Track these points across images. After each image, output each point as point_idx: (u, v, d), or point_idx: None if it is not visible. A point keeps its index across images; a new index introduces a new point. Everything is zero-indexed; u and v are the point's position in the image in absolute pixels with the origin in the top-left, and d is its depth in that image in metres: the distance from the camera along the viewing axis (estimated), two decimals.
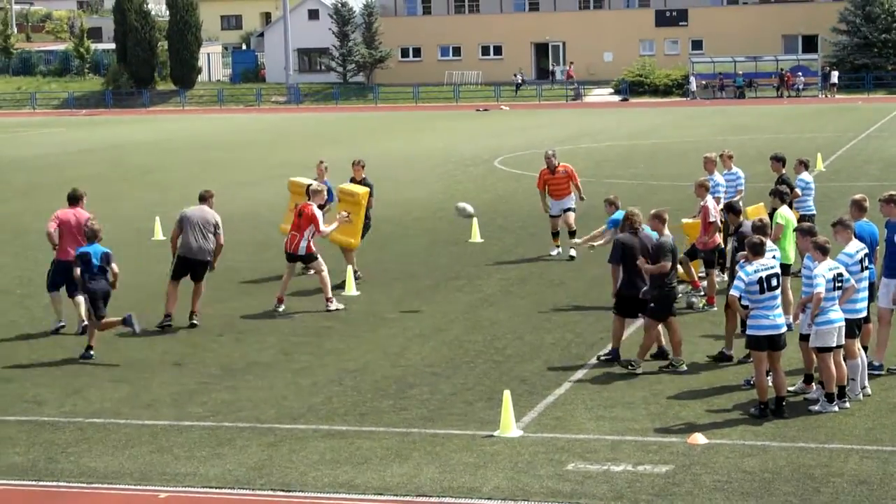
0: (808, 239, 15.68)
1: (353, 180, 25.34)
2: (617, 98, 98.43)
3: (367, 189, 24.47)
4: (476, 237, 29.12)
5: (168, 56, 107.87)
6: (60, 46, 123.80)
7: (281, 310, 21.83)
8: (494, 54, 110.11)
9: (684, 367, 17.23)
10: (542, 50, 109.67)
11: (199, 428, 15.25)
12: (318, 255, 21.96)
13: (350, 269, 23.67)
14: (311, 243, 21.70)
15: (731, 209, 19.06)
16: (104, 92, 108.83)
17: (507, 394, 14.82)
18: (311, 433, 14.93)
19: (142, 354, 19.01)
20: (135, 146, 62.81)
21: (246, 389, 16.89)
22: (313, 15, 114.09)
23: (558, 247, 26.50)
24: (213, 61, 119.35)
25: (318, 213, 21.75)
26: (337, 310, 21.72)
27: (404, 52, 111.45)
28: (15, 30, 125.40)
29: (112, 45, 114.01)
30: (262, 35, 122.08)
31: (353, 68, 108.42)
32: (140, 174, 47.43)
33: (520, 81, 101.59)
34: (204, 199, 21.89)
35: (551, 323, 20.42)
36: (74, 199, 21.20)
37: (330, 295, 21.89)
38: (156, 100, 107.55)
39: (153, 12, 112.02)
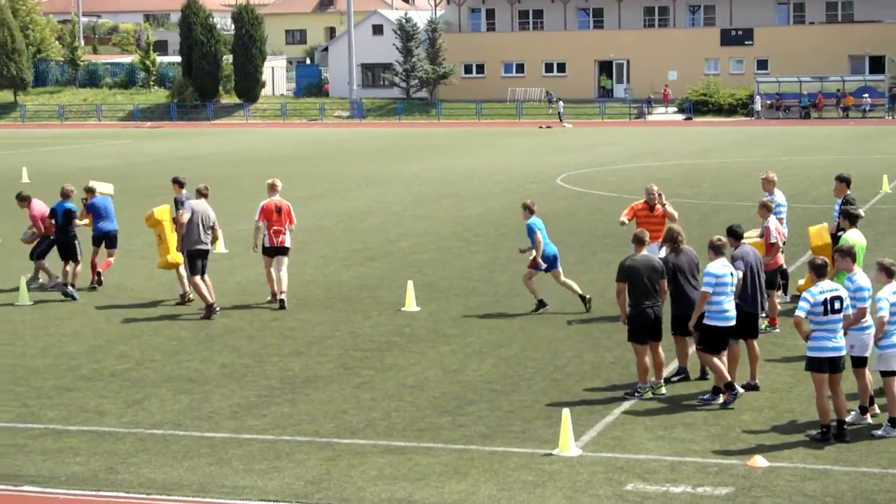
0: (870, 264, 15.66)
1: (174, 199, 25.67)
2: (681, 117, 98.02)
3: (167, 207, 25.43)
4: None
5: (232, 70, 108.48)
6: (127, 59, 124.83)
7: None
8: (558, 71, 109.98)
9: (650, 395, 17.02)
10: (605, 67, 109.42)
11: (258, 441, 15.29)
12: None
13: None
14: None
15: (732, 233, 18.21)
16: (169, 104, 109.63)
17: (566, 412, 14.77)
18: (370, 448, 14.94)
19: (202, 366, 19.09)
20: (198, 159, 63.21)
21: (305, 403, 16.92)
22: (377, 30, 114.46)
23: None
24: (277, 75, 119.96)
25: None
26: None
27: (467, 69, 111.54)
28: (82, 42, 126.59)
29: (177, 59, 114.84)
30: (326, 50, 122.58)
31: (416, 84, 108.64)
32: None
33: (554, 101, 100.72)
34: (203, 195, 24.00)
35: (611, 341, 20.33)
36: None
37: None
38: (220, 113, 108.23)
39: (219, 26, 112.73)
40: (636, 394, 17.00)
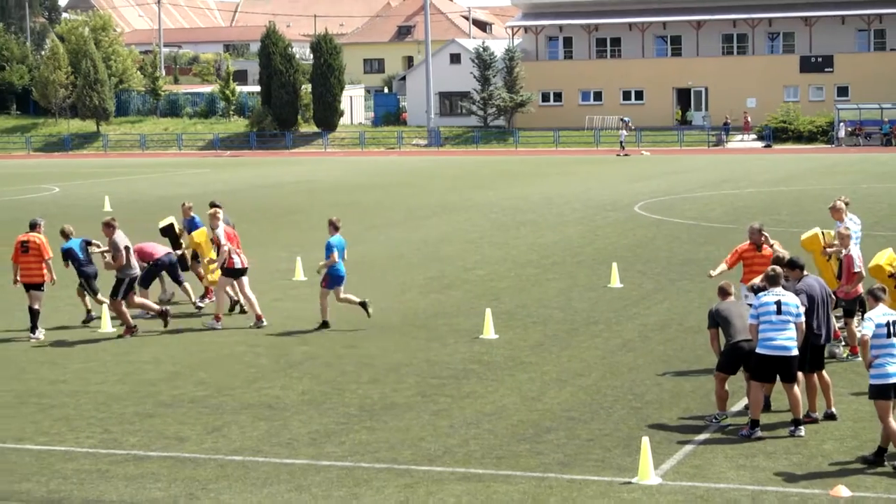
0: None
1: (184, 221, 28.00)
2: (760, 144, 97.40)
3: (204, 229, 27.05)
4: (615, 282, 28.95)
5: (311, 99, 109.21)
6: (207, 89, 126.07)
7: (219, 327, 24.27)
8: (636, 99, 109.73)
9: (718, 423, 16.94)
10: (683, 95, 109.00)
11: (337, 468, 15.32)
12: None
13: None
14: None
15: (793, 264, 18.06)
16: (248, 133, 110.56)
17: (645, 440, 14.67)
18: (448, 475, 14.92)
19: (281, 393, 19.17)
20: (278, 187, 63.66)
21: (384, 430, 16.94)
22: (455, 59, 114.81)
23: None
24: (355, 104, 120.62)
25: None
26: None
27: (545, 97, 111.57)
28: (163, 72, 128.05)
29: (257, 88, 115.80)
30: (403, 78, 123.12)
31: (493, 112, 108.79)
32: (283, 214, 48.01)
33: (629, 125, 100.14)
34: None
35: (691, 370, 20.20)
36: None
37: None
38: (298, 142, 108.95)
39: (298, 56, 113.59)
40: (714, 420, 16.88)
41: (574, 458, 15.47)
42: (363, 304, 24.50)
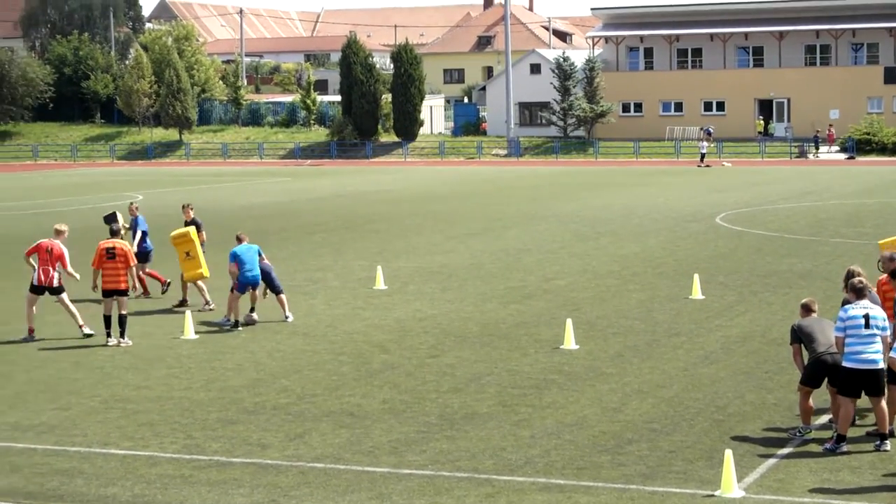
0: None
1: (185, 222, 29.32)
2: (843, 156, 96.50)
3: (194, 227, 28.64)
4: (697, 294, 28.79)
5: (391, 108, 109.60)
6: (288, 98, 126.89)
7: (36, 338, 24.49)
8: (717, 110, 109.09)
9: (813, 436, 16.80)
10: (765, 106, 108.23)
11: (418, 476, 15.35)
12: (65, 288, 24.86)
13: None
14: (61, 277, 24.67)
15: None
16: (329, 143, 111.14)
17: (728, 453, 14.58)
18: (529, 486, 14.91)
19: (363, 401, 19.24)
20: (358, 196, 63.92)
21: (464, 440, 16.95)
22: (535, 69, 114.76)
23: None
24: (435, 114, 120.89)
25: (66, 251, 24.79)
26: (88, 335, 24.50)
27: (625, 107, 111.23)
28: (245, 82, 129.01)
29: (337, 98, 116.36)
30: (483, 89, 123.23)
31: (573, 122, 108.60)
32: (363, 223, 48.22)
33: (711, 135, 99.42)
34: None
35: (773, 383, 20.05)
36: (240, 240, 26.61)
37: (82, 322, 24.69)
38: (378, 151, 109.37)
39: (378, 65, 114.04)
40: (798, 434, 16.74)
41: (656, 470, 15.40)
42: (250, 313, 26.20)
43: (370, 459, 16.10)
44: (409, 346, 23.56)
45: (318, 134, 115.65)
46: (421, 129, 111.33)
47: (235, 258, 25.86)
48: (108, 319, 24.03)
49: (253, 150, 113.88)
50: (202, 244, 28.77)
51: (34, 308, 25.07)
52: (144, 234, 30.32)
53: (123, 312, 24.01)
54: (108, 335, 24.00)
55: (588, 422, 17.78)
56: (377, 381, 20.67)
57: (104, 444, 17.00)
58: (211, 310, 27.84)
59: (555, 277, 32.49)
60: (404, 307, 28.05)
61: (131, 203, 31.66)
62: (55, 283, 24.68)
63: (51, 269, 24.63)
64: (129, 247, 24.43)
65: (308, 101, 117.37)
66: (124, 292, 24.05)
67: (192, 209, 29.86)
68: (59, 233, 25.09)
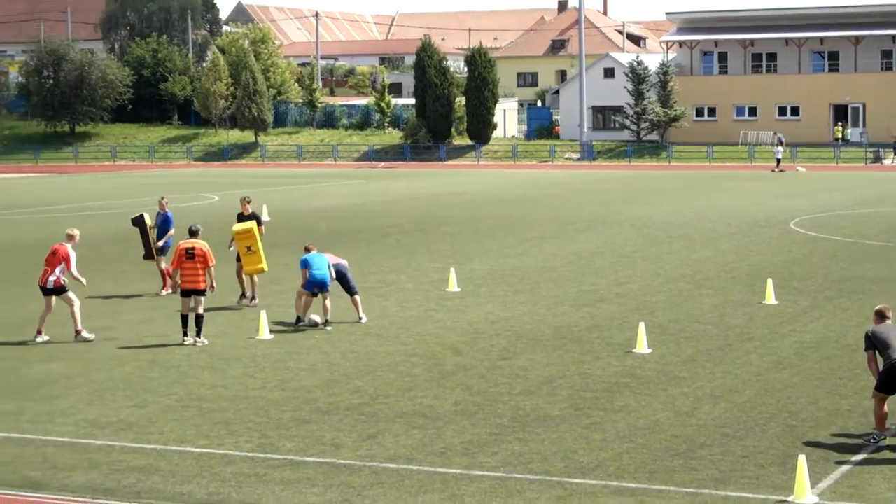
0: None
1: (240, 215, 29.61)
2: None
3: (254, 220, 28.95)
4: (770, 299, 28.67)
5: (465, 111, 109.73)
6: (362, 101, 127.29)
7: (39, 340, 24.58)
8: (791, 115, 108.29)
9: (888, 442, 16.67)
10: (840, 111, 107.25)
11: (490, 478, 15.43)
12: (69, 289, 24.84)
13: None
14: (61, 278, 24.73)
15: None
16: (402, 145, 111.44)
17: (801, 459, 14.54)
18: (601, 489, 14.95)
19: (435, 402, 19.35)
20: (431, 199, 64.08)
21: (536, 442, 17.02)
22: (609, 73, 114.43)
23: None
24: (508, 117, 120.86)
25: (72, 253, 24.90)
26: (87, 339, 24.61)
27: (699, 111, 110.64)
28: (320, 84, 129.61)
29: (411, 101, 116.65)
30: (557, 92, 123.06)
31: (646, 126, 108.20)
32: (436, 226, 48.35)
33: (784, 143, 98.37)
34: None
35: (847, 389, 19.95)
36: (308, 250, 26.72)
37: (80, 327, 24.75)
38: (452, 154, 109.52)
39: (452, 69, 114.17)
40: (872, 440, 16.66)
41: (728, 475, 15.39)
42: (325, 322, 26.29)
43: (442, 460, 16.20)
44: (482, 349, 23.65)
45: (392, 136, 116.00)
46: (494, 132, 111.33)
47: (306, 265, 26.11)
48: (184, 319, 24.31)
49: (327, 153, 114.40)
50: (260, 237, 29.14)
51: (45, 310, 25.11)
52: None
53: (200, 312, 24.27)
54: (185, 334, 24.28)
55: (660, 426, 17.78)
56: (450, 382, 20.78)
57: (180, 441, 17.23)
58: (254, 305, 28.43)
59: (627, 281, 32.46)
60: (477, 309, 28.15)
61: (161, 198, 32.56)
62: (49, 285, 24.80)
63: (49, 270, 24.81)
64: (207, 247, 24.70)
65: (382, 104, 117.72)
66: (202, 292, 24.31)
67: (249, 203, 30.14)
68: (70, 237, 25.39)
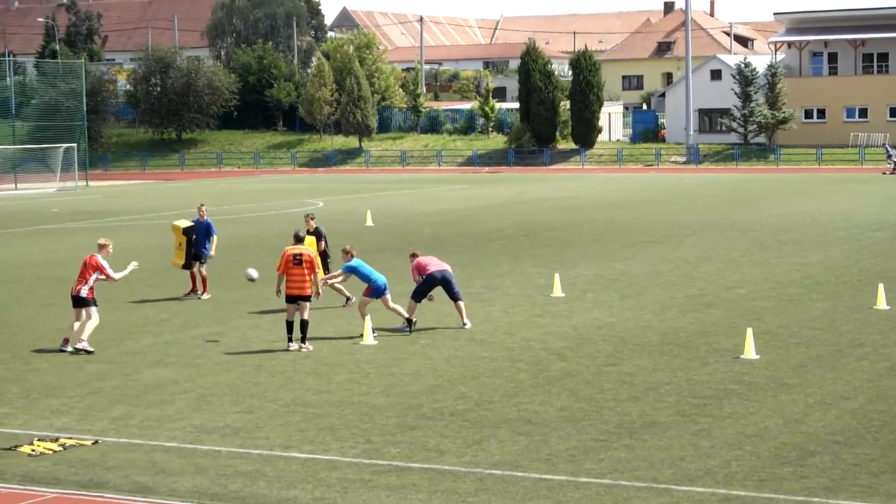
0: None
1: (307, 232, 28.84)
2: None
3: (314, 237, 28.93)
4: (882, 304, 28.18)
5: (570, 115, 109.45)
6: (466, 105, 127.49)
7: (69, 350, 24.54)
8: None
9: None
10: None
11: (596, 485, 15.28)
12: (95, 305, 25.01)
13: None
14: (94, 289, 25.00)
15: None
16: (506, 150, 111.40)
17: None
18: (709, 496, 14.73)
19: (540, 408, 19.23)
20: (536, 203, 63.94)
21: (643, 449, 16.83)
22: (715, 75, 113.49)
23: None
24: (613, 121, 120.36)
25: (104, 262, 25.06)
26: (79, 351, 24.43)
27: (808, 113, 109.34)
28: (424, 89, 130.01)
29: (516, 105, 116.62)
30: (662, 95, 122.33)
31: (754, 129, 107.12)
32: (541, 230, 48.21)
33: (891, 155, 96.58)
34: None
35: None
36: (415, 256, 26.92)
37: (85, 338, 24.61)
38: (556, 158, 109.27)
39: (557, 72, 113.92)
40: None
41: (840, 483, 15.10)
42: (409, 322, 26.32)
43: (548, 467, 16.08)
44: (587, 354, 23.49)
45: (496, 141, 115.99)
46: (599, 135, 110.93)
47: (353, 270, 26.10)
48: (290, 325, 24.40)
49: (431, 158, 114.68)
50: (322, 252, 29.37)
51: (74, 320, 25.18)
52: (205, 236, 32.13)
53: (305, 318, 24.35)
54: (290, 340, 24.37)
55: (769, 433, 17.51)
56: (555, 388, 20.65)
57: (286, 447, 17.27)
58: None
59: (735, 286, 32.09)
60: (582, 315, 27.98)
61: (200, 205, 33.02)
62: (82, 294, 24.88)
63: (82, 281, 24.92)
64: (314, 253, 24.83)
65: (486, 109, 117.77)
66: (308, 298, 24.39)
67: (313, 219, 30.27)
68: (101, 247, 25.55)
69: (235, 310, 29.46)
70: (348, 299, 29.44)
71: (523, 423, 18.38)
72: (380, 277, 26.07)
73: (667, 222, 50.76)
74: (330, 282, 27.45)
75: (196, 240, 31.69)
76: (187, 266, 31.85)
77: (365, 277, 25.95)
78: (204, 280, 31.93)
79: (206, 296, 31.67)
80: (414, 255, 26.98)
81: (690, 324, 26.63)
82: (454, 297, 26.67)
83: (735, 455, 16.41)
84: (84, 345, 24.60)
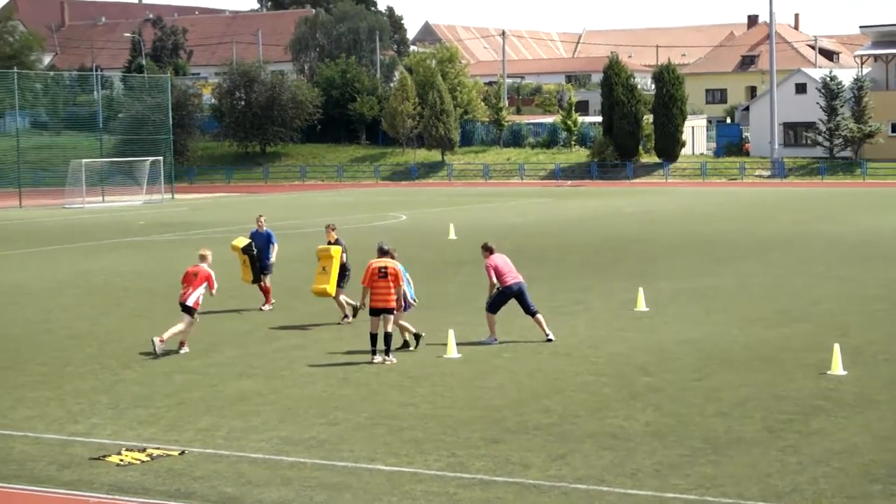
0: None
1: (328, 243, 29.50)
2: None
3: (339, 247, 29.10)
4: None
5: (653, 129, 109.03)
6: (549, 119, 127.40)
7: (182, 352, 25.62)
8: None
9: None
10: None
11: (682, 500, 15.18)
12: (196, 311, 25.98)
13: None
14: (199, 298, 25.92)
15: None
16: (589, 164, 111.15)
17: None
18: None
19: (626, 423, 19.14)
20: (619, 217, 63.72)
21: (729, 465, 16.69)
22: (800, 89, 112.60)
23: None
24: (696, 135, 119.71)
25: (212, 273, 26.15)
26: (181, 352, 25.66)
27: (894, 127, 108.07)
28: (506, 103, 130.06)
29: (598, 118, 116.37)
30: (746, 109, 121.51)
31: (840, 143, 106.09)
32: (624, 244, 48.03)
33: None
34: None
35: None
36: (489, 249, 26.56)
37: (166, 337, 25.47)
38: (639, 172, 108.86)
39: (639, 86, 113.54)
40: None
41: None
42: (417, 336, 25.98)
43: (633, 482, 16.00)
44: (672, 369, 23.35)
45: (579, 155, 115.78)
46: (682, 149, 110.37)
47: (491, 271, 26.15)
48: (374, 337, 24.47)
49: (513, 171, 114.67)
50: (342, 266, 29.28)
51: (183, 325, 26.02)
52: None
53: (389, 330, 24.42)
54: (374, 353, 24.44)
55: (858, 450, 17.31)
56: (640, 403, 20.55)
57: (370, 459, 17.31)
58: (347, 323, 28.91)
59: (821, 301, 31.78)
60: (666, 329, 27.83)
61: (259, 216, 33.18)
62: (189, 303, 25.75)
63: (191, 289, 25.80)
64: (400, 267, 24.86)
65: (569, 122, 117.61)
66: (391, 311, 24.45)
67: (334, 230, 30.03)
68: (203, 258, 26.44)
69: (318, 322, 29.58)
70: (345, 316, 29.35)
71: (608, 437, 18.31)
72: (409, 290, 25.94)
73: (752, 236, 50.38)
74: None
75: (258, 252, 31.84)
76: (256, 280, 31.99)
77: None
78: (267, 291, 32.06)
79: (267, 307, 31.83)
80: (489, 249, 26.58)
81: (776, 339, 26.40)
82: (530, 310, 26.51)
83: (823, 472, 16.24)
84: (161, 345, 25.42)
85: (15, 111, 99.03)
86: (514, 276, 26.49)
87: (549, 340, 26.31)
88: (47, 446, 18.36)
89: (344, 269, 29.39)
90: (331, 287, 28.74)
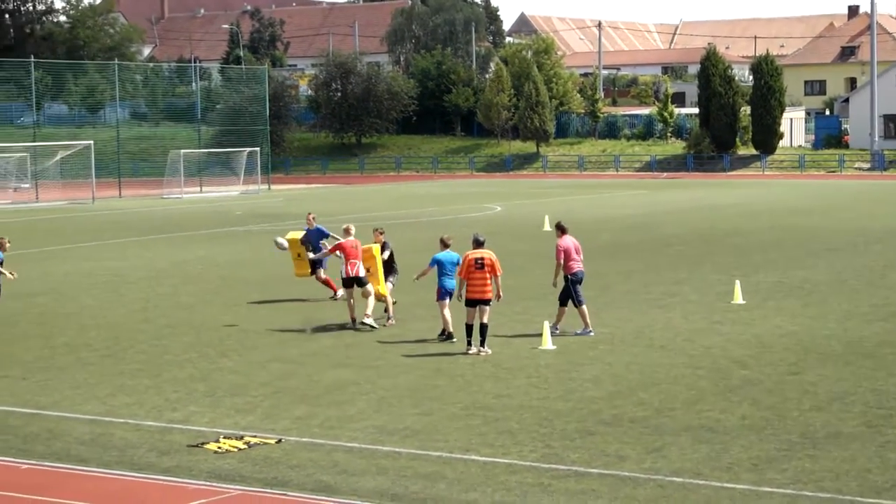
0: None
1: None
2: None
3: (378, 246, 29.00)
4: None
5: (750, 121, 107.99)
6: (645, 111, 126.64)
7: (357, 326, 27.02)
8: None
9: None
10: None
11: (779, 495, 15.05)
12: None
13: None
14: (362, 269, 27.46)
15: None
16: (685, 156, 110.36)
17: None
18: None
19: (722, 416, 19.01)
20: (715, 209, 63.23)
21: (827, 459, 16.52)
22: None
23: None
24: (795, 126, 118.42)
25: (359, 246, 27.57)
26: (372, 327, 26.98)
27: None
28: (602, 94, 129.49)
29: (695, 110, 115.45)
30: (846, 100, 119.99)
31: None
32: (721, 237, 47.65)
33: None
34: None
35: None
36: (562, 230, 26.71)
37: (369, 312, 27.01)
38: (736, 164, 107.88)
39: (737, 77, 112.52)
40: None
41: None
42: (448, 334, 25.77)
43: (729, 476, 15.88)
44: (769, 362, 23.14)
45: (675, 147, 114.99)
46: (780, 141, 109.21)
47: (436, 262, 25.63)
48: (469, 328, 24.51)
49: (609, 163, 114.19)
50: (386, 262, 29.08)
51: (351, 300, 27.44)
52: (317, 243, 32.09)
53: (485, 321, 24.44)
54: (469, 343, 24.48)
55: None
56: (736, 396, 20.39)
57: (465, 449, 17.35)
58: (390, 325, 28.11)
59: None
60: (764, 322, 27.59)
61: (308, 214, 33.00)
62: (361, 274, 27.30)
63: (355, 262, 27.33)
64: (495, 257, 24.82)
65: (665, 114, 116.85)
66: (488, 301, 24.46)
67: (381, 233, 29.64)
68: (347, 231, 28.04)
69: (413, 312, 29.64)
70: (389, 318, 28.63)
71: (704, 430, 18.19)
72: (450, 281, 25.44)
73: (851, 230, 49.78)
74: (418, 277, 27.00)
75: (312, 248, 31.75)
76: (314, 272, 31.99)
77: (439, 274, 25.50)
78: (328, 282, 31.89)
79: (341, 292, 30.55)
80: (563, 230, 26.52)
81: (876, 333, 26.07)
82: (578, 300, 26.33)
83: None
84: (370, 320, 26.89)
85: (115, 102, 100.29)
86: (579, 264, 26.37)
87: (589, 333, 26.04)
88: (147, 433, 18.61)
89: (390, 263, 29.27)
90: (382, 287, 28.64)
